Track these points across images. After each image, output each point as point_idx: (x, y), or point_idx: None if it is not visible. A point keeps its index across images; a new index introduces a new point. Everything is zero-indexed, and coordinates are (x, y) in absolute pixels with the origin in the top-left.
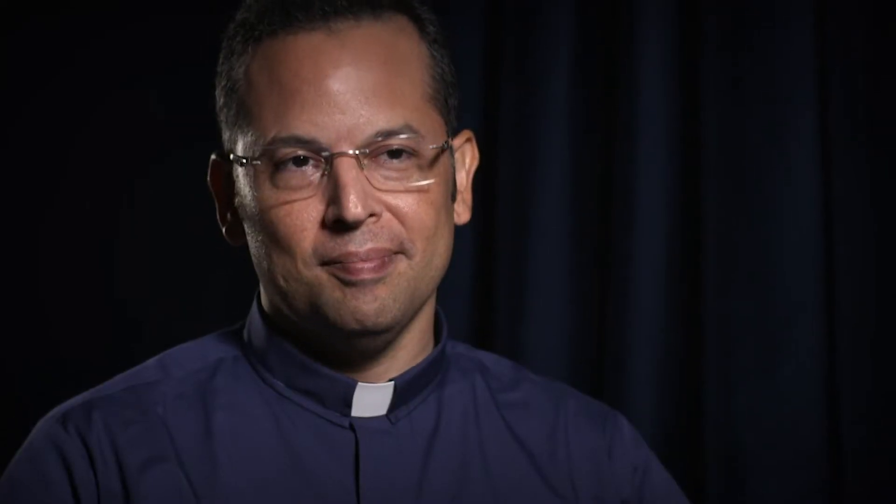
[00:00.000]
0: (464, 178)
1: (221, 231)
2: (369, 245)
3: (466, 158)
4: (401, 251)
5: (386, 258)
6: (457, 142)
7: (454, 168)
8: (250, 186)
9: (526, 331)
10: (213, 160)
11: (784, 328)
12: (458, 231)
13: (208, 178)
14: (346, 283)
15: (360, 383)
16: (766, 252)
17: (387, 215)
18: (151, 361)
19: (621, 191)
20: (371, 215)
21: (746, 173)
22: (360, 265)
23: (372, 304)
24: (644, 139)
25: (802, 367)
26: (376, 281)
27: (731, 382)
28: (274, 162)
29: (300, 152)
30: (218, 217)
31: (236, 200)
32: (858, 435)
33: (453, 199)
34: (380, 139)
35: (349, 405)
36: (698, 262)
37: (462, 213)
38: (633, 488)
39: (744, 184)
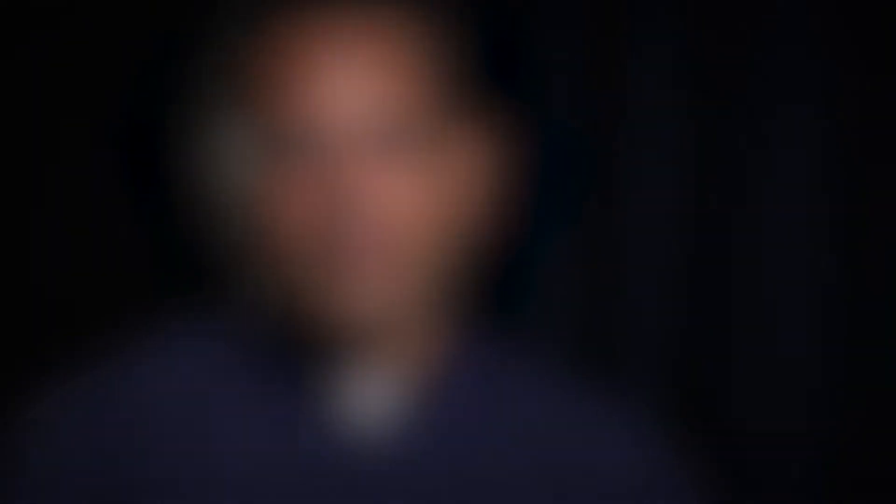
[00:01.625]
0: (481, 180)
1: (207, 227)
2: (367, 231)
3: (484, 160)
4: (401, 239)
5: (385, 245)
6: (473, 141)
7: (467, 163)
8: (241, 175)
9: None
10: (192, 150)
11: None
12: None
13: (187, 173)
14: (343, 270)
15: (362, 379)
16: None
17: (387, 202)
18: (140, 353)
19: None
20: (370, 201)
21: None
22: (357, 251)
23: (368, 291)
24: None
25: (804, 352)
26: (374, 267)
27: (731, 364)
28: (269, 147)
29: (296, 137)
30: (203, 212)
31: (221, 190)
32: (859, 417)
33: (465, 196)
34: (384, 124)
35: (352, 402)
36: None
37: (478, 215)
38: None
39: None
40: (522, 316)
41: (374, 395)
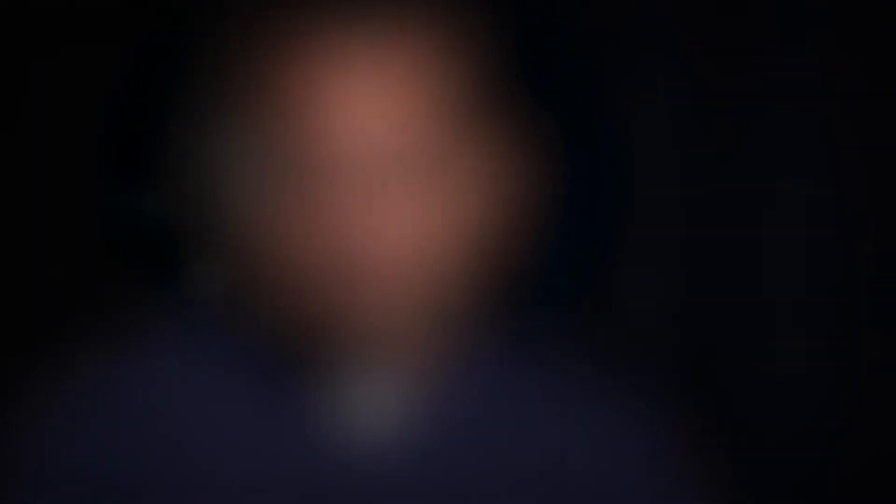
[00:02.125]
0: (505, 193)
1: (198, 247)
2: (379, 254)
3: (509, 174)
4: (408, 275)
5: (391, 280)
6: (497, 155)
7: (490, 178)
8: (241, 196)
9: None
10: (195, 161)
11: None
12: None
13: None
14: (353, 291)
15: (366, 379)
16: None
17: (403, 223)
18: (137, 352)
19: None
20: (384, 223)
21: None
22: (358, 285)
23: (380, 311)
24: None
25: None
26: (387, 287)
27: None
28: (278, 168)
29: (299, 162)
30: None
31: (217, 209)
32: (861, 419)
33: (487, 210)
34: (390, 150)
35: (356, 403)
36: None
37: (501, 227)
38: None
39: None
40: (535, 317)
41: (378, 397)
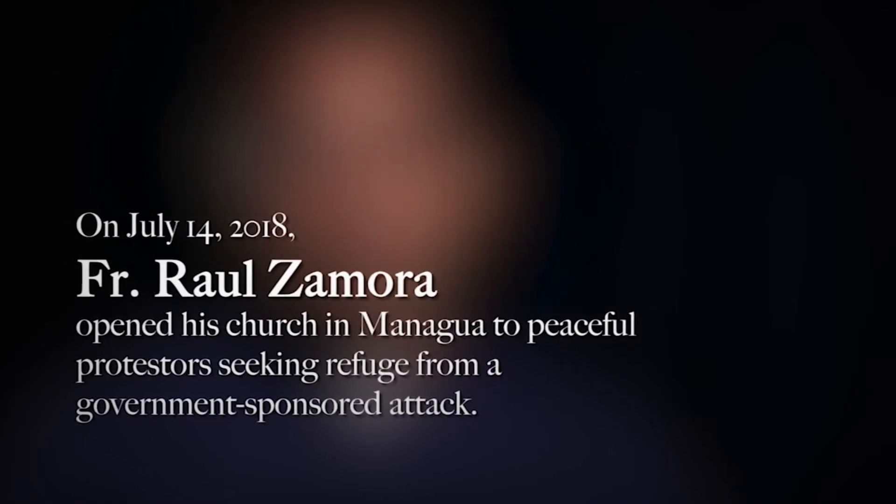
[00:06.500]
0: (503, 184)
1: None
2: (380, 235)
3: (509, 164)
4: (416, 242)
5: (399, 248)
6: (497, 144)
7: (489, 167)
8: (242, 177)
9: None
10: (187, 151)
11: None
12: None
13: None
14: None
15: (366, 378)
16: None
17: (402, 206)
18: (136, 349)
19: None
20: (384, 205)
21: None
22: (370, 254)
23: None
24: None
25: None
26: (387, 270)
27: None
28: (276, 152)
29: (308, 142)
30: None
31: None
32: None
33: (486, 199)
34: (385, 137)
35: (356, 402)
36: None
37: (499, 218)
38: None
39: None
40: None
41: (379, 395)
